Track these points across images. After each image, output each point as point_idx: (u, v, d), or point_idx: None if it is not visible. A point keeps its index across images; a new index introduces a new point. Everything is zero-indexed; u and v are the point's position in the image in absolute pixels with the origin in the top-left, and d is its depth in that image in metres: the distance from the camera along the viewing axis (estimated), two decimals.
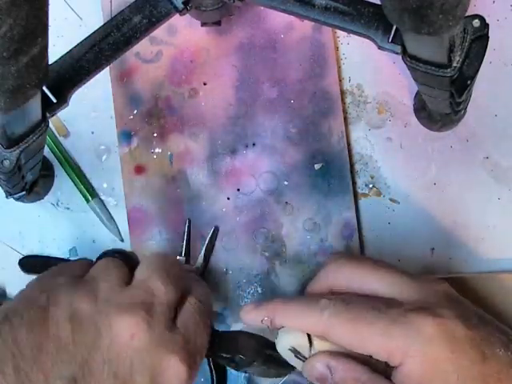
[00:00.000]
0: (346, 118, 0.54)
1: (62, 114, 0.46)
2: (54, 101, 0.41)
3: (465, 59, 0.39)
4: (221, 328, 0.52)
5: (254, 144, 0.53)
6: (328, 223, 0.52)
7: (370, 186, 0.54)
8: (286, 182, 0.53)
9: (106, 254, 0.43)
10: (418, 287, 0.41)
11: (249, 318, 0.44)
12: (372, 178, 0.54)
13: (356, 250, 0.52)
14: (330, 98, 0.53)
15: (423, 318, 0.38)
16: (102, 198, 0.54)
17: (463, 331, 0.38)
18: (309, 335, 0.42)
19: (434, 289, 0.42)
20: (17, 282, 0.53)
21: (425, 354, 0.38)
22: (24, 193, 0.48)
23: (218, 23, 0.49)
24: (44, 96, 0.40)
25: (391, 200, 0.54)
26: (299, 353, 0.42)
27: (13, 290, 0.53)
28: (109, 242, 0.54)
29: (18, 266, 0.53)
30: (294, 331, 0.42)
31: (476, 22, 0.39)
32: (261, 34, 0.54)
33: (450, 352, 0.37)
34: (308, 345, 0.42)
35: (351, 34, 0.43)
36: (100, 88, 0.54)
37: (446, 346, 0.37)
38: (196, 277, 0.48)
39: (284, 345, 0.42)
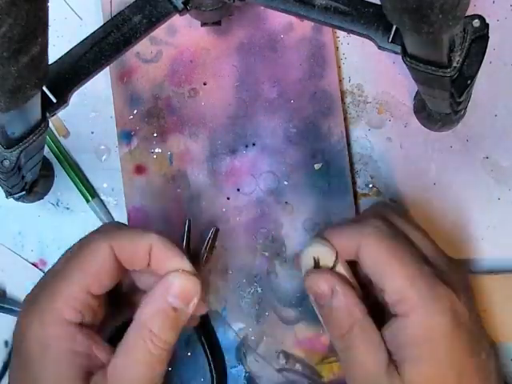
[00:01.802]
0: (346, 118, 0.54)
1: (62, 114, 0.46)
2: (54, 101, 0.41)
3: (465, 59, 0.39)
4: (221, 328, 0.52)
5: (253, 144, 0.53)
6: (328, 223, 0.52)
7: (370, 185, 0.54)
8: (285, 182, 0.53)
9: None
10: (454, 267, 0.43)
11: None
12: (372, 177, 0.54)
13: None
14: (329, 98, 0.53)
15: (448, 292, 0.39)
16: (102, 198, 0.54)
17: (468, 323, 0.40)
18: (337, 257, 0.42)
19: (462, 274, 0.43)
20: (17, 282, 0.53)
21: (432, 319, 0.39)
22: (24, 193, 0.48)
23: (218, 23, 0.49)
24: (44, 96, 0.39)
25: (391, 200, 0.54)
26: (319, 266, 0.42)
27: (13, 290, 0.53)
28: None
29: (17, 266, 0.53)
30: (326, 245, 0.43)
31: (476, 22, 0.39)
32: (261, 34, 0.54)
33: (451, 331, 0.39)
34: (331, 263, 0.42)
35: (351, 34, 0.43)
36: (100, 88, 0.54)
37: (453, 325, 0.39)
38: None
39: (310, 251, 0.43)
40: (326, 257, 0.42)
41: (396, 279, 0.40)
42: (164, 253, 0.41)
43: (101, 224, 0.53)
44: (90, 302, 0.40)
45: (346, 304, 0.41)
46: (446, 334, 0.39)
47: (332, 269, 0.42)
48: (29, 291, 0.43)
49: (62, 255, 0.44)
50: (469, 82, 0.40)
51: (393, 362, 0.40)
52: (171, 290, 0.40)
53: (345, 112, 0.54)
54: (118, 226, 0.45)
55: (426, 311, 0.39)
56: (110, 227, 0.44)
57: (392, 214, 0.44)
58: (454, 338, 0.39)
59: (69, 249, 0.44)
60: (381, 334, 0.40)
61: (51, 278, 0.41)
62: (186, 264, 0.41)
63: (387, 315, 0.41)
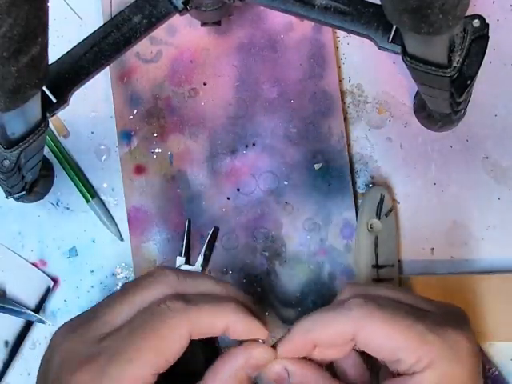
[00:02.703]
0: (346, 118, 0.54)
1: (62, 113, 0.46)
2: (54, 101, 0.41)
3: (465, 59, 0.39)
4: None
5: (254, 144, 0.53)
6: (328, 223, 0.52)
7: (370, 185, 0.54)
8: (285, 182, 0.53)
9: None
10: (443, 308, 0.41)
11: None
12: (372, 177, 0.54)
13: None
14: (329, 98, 0.53)
15: (459, 334, 0.38)
16: (102, 198, 0.54)
17: (479, 360, 0.39)
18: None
19: (454, 310, 0.42)
20: (17, 282, 0.53)
21: (450, 368, 0.38)
22: (24, 193, 0.48)
23: (218, 23, 0.49)
24: (44, 96, 0.39)
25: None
26: None
27: (13, 290, 0.53)
28: (109, 241, 0.54)
29: (17, 266, 0.53)
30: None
31: (476, 22, 0.39)
32: (261, 34, 0.54)
33: (469, 374, 0.38)
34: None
35: (351, 34, 0.43)
36: (100, 88, 0.54)
37: (471, 367, 0.38)
38: None
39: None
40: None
41: (407, 344, 0.38)
42: (242, 329, 0.40)
43: (100, 224, 0.53)
44: (155, 378, 0.38)
45: (305, 375, 0.40)
46: (466, 379, 0.38)
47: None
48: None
49: (116, 300, 0.41)
50: (469, 82, 0.40)
51: None
52: (251, 361, 0.40)
53: (345, 112, 0.54)
54: (190, 297, 0.40)
55: (445, 364, 0.38)
56: (181, 303, 0.39)
57: (367, 288, 0.42)
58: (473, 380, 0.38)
59: (124, 293, 0.41)
60: None
61: (118, 349, 0.38)
62: (263, 334, 0.40)
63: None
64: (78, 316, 0.42)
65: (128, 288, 0.42)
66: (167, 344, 0.38)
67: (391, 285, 0.44)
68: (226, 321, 0.39)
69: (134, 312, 0.40)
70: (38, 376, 0.41)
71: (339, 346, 0.40)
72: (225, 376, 0.39)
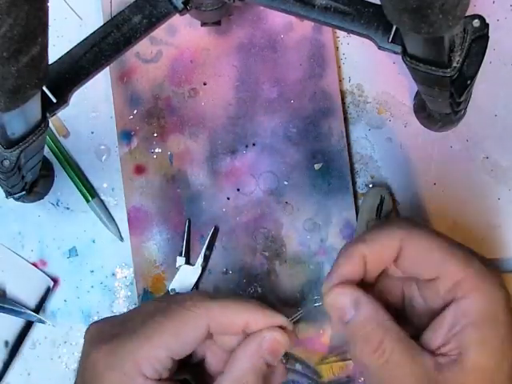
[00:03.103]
0: (346, 118, 0.54)
1: (62, 114, 0.46)
2: (54, 101, 0.41)
3: (465, 59, 0.39)
4: None
5: (253, 144, 0.53)
6: (328, 223, 0.52)
7: (370, 185, 0.54)
8: (285, 182, 0.53)
9: None
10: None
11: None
12: (372, 177, 0.54)
13: None
14: (329, 98, 0.53)
15: (499, 279, 0.39)
16: (102, 198, 0.54)
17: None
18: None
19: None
20: (17, 282, 0.53)
21: (493, 296, 0.38)
22: (24, 193, 0.48)
23: (218, 23, 0.49)
24: (44, 96, 0.39)
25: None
26: None
27: (13, 290, 0.53)
28: (109, 241, 0.54)
29: (17, 266, 0.53)
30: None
31: (476, 22, 0.39)
32: (261, 34, 0.54)
33: (506, 313, 0.38)
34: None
35: (351, 34, 0.43)
36: (100, 88, 0.54)
37: (505, 306, 0.38)
38: None
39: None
40: None
41: (451, 264, 0.38)
42: (261, 324, 0.40)
43: (101, 224, 0.53)
44: (170, 363, 0.39)
45: (372, 315, 0.39)
46: (507, 309, 0.38)
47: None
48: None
49: (152, 301, 0.44)
50: (469, 82, 0.40)
51: (440, 363, 0.38)
52: (265, 344, 0.40)
53: (345, 112, 0.54)
54: (214, 299, 0.42)
55: (486, 288, 0.38)
56: (207, 301, 0.41)
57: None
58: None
59: (161, 297, 0.44)
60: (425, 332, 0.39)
61: (140, 328, 0.40)
62: (281, 320, 0.41)
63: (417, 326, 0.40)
64: (110, 317, 0.45)
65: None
66: (186, 330, 0.39)
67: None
68: (245, 317, 0.40)
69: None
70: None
71: (384, 263, 0.40)
72: (243, 364, 0.40)
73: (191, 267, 0.52)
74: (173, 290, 0.52)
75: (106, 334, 0.40)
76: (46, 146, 0.52)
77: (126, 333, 0.40)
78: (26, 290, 0.53)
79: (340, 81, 0.54)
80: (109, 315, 0.52)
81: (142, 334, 0.39)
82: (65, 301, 0.53)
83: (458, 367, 0.37)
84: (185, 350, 0.40)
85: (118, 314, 0.53)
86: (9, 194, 0.47)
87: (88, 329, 0.42)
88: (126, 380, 0.38)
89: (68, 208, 0.54)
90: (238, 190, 0.53)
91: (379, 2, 0.31)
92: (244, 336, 0.41)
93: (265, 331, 0.40)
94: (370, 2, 0.42)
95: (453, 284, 0.38)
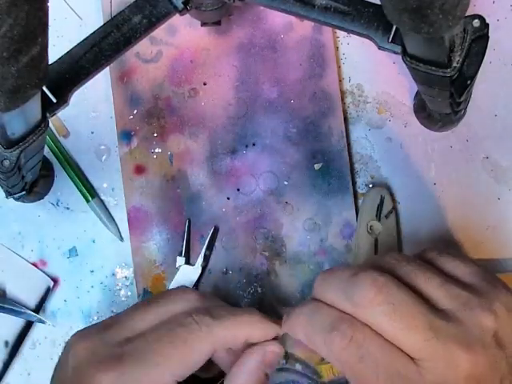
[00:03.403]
0: (346, 118, 0.54)
1: (62, 113, 0.46)
2: (54, 101, 0.41)
3: (465, 59, 0.39)
4: None
5: (253, 144, 0.53)
6: (328, 223, 0.52)
7: (370, 185, 0.54)
8: (285, 182, 0.53)
9: None
10: (491, 281, 0.39)
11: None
12: (372, 177, 0.54)
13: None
14: (329, 98, 0.53)
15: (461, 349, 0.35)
16: (102, 198, 0.54)
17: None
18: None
19: (500, 288, 0.39)
20: (17, 282, 0.53)
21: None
22: (24, 193, 0.48)
23: (218, 23, 0.49)
24: (44, 96, 0.39)
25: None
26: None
27: (13, 290, 0.53)
28: (109, 241, 0.54)
29: (17, 266, 0.53)
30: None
31: (476, 22, 0.39)
32: (261, 34, 0.54)
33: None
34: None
35: (351, 34, 0.43)
36: (100, 88, 0.54)
37: None
38: None
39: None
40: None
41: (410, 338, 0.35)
42: (261, 335, 0.42)
43: (101, 224, 0.53)
44: None
45: None
46: None
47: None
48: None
49: (140, 308, 0.43)
50: (469, 82, 0.40)
51: None
52: (267, 358, 0.41)
53: (345, 112, 0.54)
54: (217, 317, 0.41)
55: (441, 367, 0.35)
56: (211, 323, 0.41)
57: (399, 262, 0.39)
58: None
59: (154, 305, 0.42)
60: None
61: (146, 353, 0.39)
62: (277, 330, 0.42)
63: None
64: (93, 324, 0.43)
65: (151, 300, 0.44)
66: (193, 355, 0.40)
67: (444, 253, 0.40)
68: (247, 332, 0.41)
69: (158, 321, 0.41)
70: (52, 379, 0.42)
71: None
72: (246, 378, 0.41)
73: (191, 267, 0.52)
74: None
75: (109, 357, 0.39)
76: (46, 146, 0.52)
77: (132, 358, 0.39)
78: (26, 290, 0.53)
79: (340, 81, 0.54)
80: (109, 315, 0.53)
81: (149, 361, 0.39)
82: (65, 301, 0.53)
83: None
84: (189, 372, 0.40)
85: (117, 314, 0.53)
86: (9, 194, 0.47)
87: (75, 344, 0.41)
88: None
89: (68, 208, 0.54)
90: (238, 190, 0.53)
91: (379, 2, 0.31)
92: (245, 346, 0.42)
93: (265, 345, 0.41)
94: (370, 2, 0.42)
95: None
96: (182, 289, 0.45)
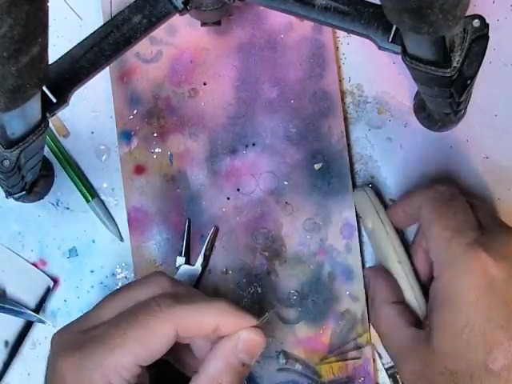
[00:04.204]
0: (346, 118, 0.54)
1: (62, 113, 0.46)
2: (54, 101, 0.41)
3: (465, 59, 0.39)
4: None
5: (253, 144, 0.53)
6: (328, 223, 0.52)
7: (370, 185, 0.53)
8: (285, 182, 0.53)
9: None
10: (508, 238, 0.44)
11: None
12: (372, 177, 0.54)
13: (356, 250, 0.52)
14: (329, 98, 0.53)
15: (483, 256, 0.41)
16: (102, 198, 0.54)
17: (503, 288, 0.41)
18: None
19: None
20: (17, 282, 0.53)
21: (458, 280, 0.41)
22: (24, 193, 0.48)
23: (218, 23, 0.49)
24: (44, 96, 0.39)
25: (391, 200, 0.54)
26: None
27: (13, 290, 0.53)
28: (109, 241, 0.54)
29: (17, 266, 0.53)
30: None
31: (476, 22, 0.39)
32: (261, 34, 0.54)
33: (479, 293, 0.41)
34: None
35: (351, 34, 0.43)
36: (100, 88, 0.54)
37: (481, 288, 0.41)
38: None
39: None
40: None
41: (436, 242, 0.42)
42: (232, 324, 0.40)
43: (101, 224, 0.53)
44: (138, 370, 0.39)
45: None
46: (471, 296, 0.40)
47: None
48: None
49: (112, 298, 0.42)
50: (469, 82, 0.40)
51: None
52: (240, 344, 0.40)
53: (345, 112, 0.54)
54: (181, 301, 0.41)
55: (453, 273, 0.40)
56: (173, 305, 0.40)
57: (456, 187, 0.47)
58: (481, 299, 0.40)
59: (121, 294, 0.42)
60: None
61: (104, 337, 0.39)
62: (251, 321, 0.41)
63: None
64: (72, 322, 0.44)
65: (122, 287, 0.44)
66: (152, 336, 0.38)
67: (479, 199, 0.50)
68: (214, 320, 0.40)
69: (124, 308, 0.41)
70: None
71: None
72: (219, 364, 0.40)
73: (191, 267, 0.52)
74: None
75: (71, 344, 0.40)
76: (46, 146, 0.52)
77: (91, 343, 0.39)
78: (26, 290, 0.53)
79: (340, 81, 0.54)
80: None
81: (107, 345, 0.38)
82: (65, 301, 0.53)
83: (428, 344, 0.42)
84: (152, 357, 0.39)
85: None
86: (9, 194, 0.47)
87: (53, 337, 0.42)
88: None
89: (68, 208, 0.54)
90: (238, 190, 0.53)
91: (379, 2, 0.31)
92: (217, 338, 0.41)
93: (240, 333, 0.40)
94: (370, 2, 0.42)
95: (434, 262, 0.44)
96: (156, 273, 0.44)
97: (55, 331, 0.43)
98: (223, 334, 0.40)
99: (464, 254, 0.41)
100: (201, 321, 0.40)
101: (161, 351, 0.39)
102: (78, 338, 0.40)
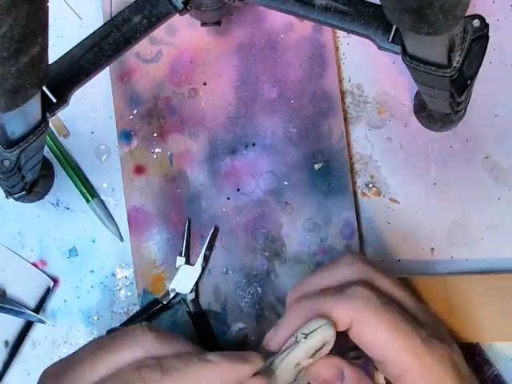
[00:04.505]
0: (346, 118, 0.54)
1: (62, 113, 0.46)
2: (54, 101, 0.41)
3: (465, 59, 0.39)
4: (220, 328, 0.52)
5: (253, 144, 0.53)
6: (328, 223, 0.52)
7: (370, 185, 0.54)
8: (285, 182, 0.53)
9: None
10: (433, 316, 0.43)
11: (278, 340, 0.40)
12: (372, 177, 0.54)
13: (356, 250, 0.52)
14: (329, 98, 0.53)
15: (445, 349, 0.40)
16: (102, 198, 0.54)
17: (466, 371, 0.41)
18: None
19: (440, 322, 0.44)
20: (17, 282, 0.53)
21: (438, 380, 0.39)
22: (24, 193, 0.48)
23: (218, 23, 0.49)
24: (44, 96, 0.39)
25: (391, 200, 0.54)
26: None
27: (13, 290, 0.53)
28: (109, 241, 0.54)
29: (17, 266, 0.53)
30: (331, 327, 0.39)
31: (476, 22, 0.39)
32: (261, 34, 0.54)
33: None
34: (332, 343, 0.39)
35: (351, 34, 0.43)
36: (100, 88, 0.54)
37: (454, 376, 0.40)
38: None
39: (318, 337, 0.39)
40: (331, 338, 0.39)
41: (399, 353, 0.39)
42: (234, 380, 0.38)
43: (101, 224, 0.53)
44: None
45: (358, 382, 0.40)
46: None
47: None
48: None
49: (89, 355, 0.40)
50: (469, 82, 0.40)
51: None
52: None
53: (345, 112, 0.54)
54: (168, 364, 0.38)
55: (432, 377, 0.39)
56: (156, 374, 0.37)
57: (376, 275, 0.42)
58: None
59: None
60: None
61: None
62: (254, 368, 0.39)
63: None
64: (60, 361, 0.42)
65: (104, 345, 0.40)
66: None
67: (397, 281, 0.43)
68: (208, 382, 0.37)
69: (108, 371, 0.38)
70: None
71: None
72: None
73: (191, 267, 0.52)
74: (173, 289, 0.52)
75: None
76: (46, 146, 0.52)
77: None
78: (26, 290, 0.53)
79: (340, 81, 0.54)
80: (109, 315, 0.53)
81: None
82: (65, 301, 0.53)
83: None
84: None
85: (117, 313, 0.53)
86: (9, 194, 0.47)
87: (40, 378, 0.41)
88: None
89: (68, 208, 0.54)
90: (238, 190, 0.53)
91: (379, 2, 0.31)
92: None
93: None
94: (370, 2, 0.42)
95: (401, 372, 0.39)
96: (139, 329, 0.40)
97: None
98: None
99: (432, 357, 0.39)
100: None
101: None
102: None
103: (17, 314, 0.52)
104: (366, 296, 0.39)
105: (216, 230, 0.53)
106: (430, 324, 0.41)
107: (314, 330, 0.39)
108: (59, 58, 0.42)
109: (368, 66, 0.54)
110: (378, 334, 0.39)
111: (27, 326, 0.53)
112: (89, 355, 0.39)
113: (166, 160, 0.53)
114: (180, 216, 0.53)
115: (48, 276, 0.53)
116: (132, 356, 0.38)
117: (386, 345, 0.39)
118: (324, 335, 0.39)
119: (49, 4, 0.29)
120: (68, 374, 0.39)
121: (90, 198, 0.53)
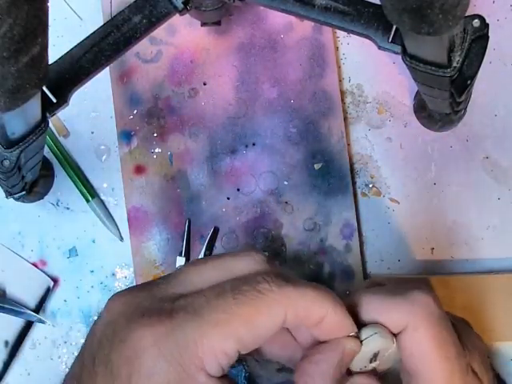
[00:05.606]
0: (346, 118, 0.54)
1: (62, 113, 0.46)
2: (54, 101, 0.41)
3: (465, 59, 0.39)
4: None
5: (253, 144, 0.53)
6: (328, 223, 0.52)
7: (370, 185, 0.54)
8: (285, 182, 0.53)
9: None
10: (478, 341, 0.41)
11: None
12: (372, 177, 0.54)
13: (356, 250, 0.52)
14: (329, 98, 0.53)
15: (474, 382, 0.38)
16: (102, 197, 0.54)
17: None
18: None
19: (483, 349, 0.41)
20: (17, 282, 0.53)
21: None
22: (24, 193, 0.48)
23: (218, 23, 0.49)
24: (44, 96, 0.39)
25: (391, 200, 0.54)
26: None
27: (13, 290, 0.53)
28: (109, 241, 0.54)
29: (17, 266, 0.53)
30: (387, 336, 0.36)
31: (476, 22, 0.39)
32: (261, 34, 0.54)
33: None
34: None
35: (351, 34, 0.43)
36: (100, 88, 0.54)
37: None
38: None
39: (371, 345, 0.36)
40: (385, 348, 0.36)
41: (436, 374, 0.35)
42: (337, 323, 0.34)
43: (101, 224, 0.53)
44: (234, 359, 0.32)
45: None
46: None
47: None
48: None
49: (194, 265, 0.35)
50: (469, 82, 0.40)
51: None
52: (345, 358, 0.35)
53: (345, 112, 0.54)
54: (292, 282, 0.34)
55: None
56: (284, 285, 0.33)
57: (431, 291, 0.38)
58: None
59: (217, 262, 0.35)
60: None
61: (203, 308, 0.32)
62: (353, 326, 0.36)
63: None
64: (133, 286, 0.37)
65: (205, 258, 0.37)
66: (261, 318, 0.32)
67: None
68: (324, 311, 0.34)
69: (219, 278, 0.34)
70: (79, 354, 0.35)
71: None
72: (324, 371, 0.35)
73: None
74: None
75: (152, 311, 0.32)
76: (46, 146, 0.52)
77: (184, 314, 0.32)
78: (26, 290, 0.53)
79: (340, 81, 0.54)
80: None
81: (208, 318, 0.31)
82: (65, 301, 0.53)
83: None
84: (255, 343, 0.32)
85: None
86: (9, 194, 0.47)
87: (112, 300, 0.34)
88: (184, 377, 0.31)
89: (68, 208, 0.54)
90: (238, 190, 0.53)
91: (379, 2, 0.31)
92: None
93: (344, 341, 0.35)
94: (370, 2, 0.42)
95: None
96: (247, 249, 0.37)
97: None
98: (321, 332, 0.35)
99: (461, 379, 0.36)
100: (311, 309, 0.33)
101: (265, 337, 0.33)
102: (165, 306, 0.32)
103: (17, 314, 0.52)
104: (425, 302, 0.36)
105: (216, 230, 0.53)
106: (470, 350, 0.38)
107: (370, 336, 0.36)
108: (59, 58, 0.42)
109: (368, 66, 0.54)
110: (427, 347, 0.36)
111: (27, 326, 0.53)
112: (193, 264, 0.35)
113: (165, 160, 0.53)
114: (180, 216, 0.53)
115: (48, 276, 0.53)
116: (247, 266, 0.34)
117: (429, 361, 0.36)
118: (376, 343, 0.36)
119: (49, 4, 0.29)
120: (166, 281, 0.35)
121: (90, 198, 0.53)
